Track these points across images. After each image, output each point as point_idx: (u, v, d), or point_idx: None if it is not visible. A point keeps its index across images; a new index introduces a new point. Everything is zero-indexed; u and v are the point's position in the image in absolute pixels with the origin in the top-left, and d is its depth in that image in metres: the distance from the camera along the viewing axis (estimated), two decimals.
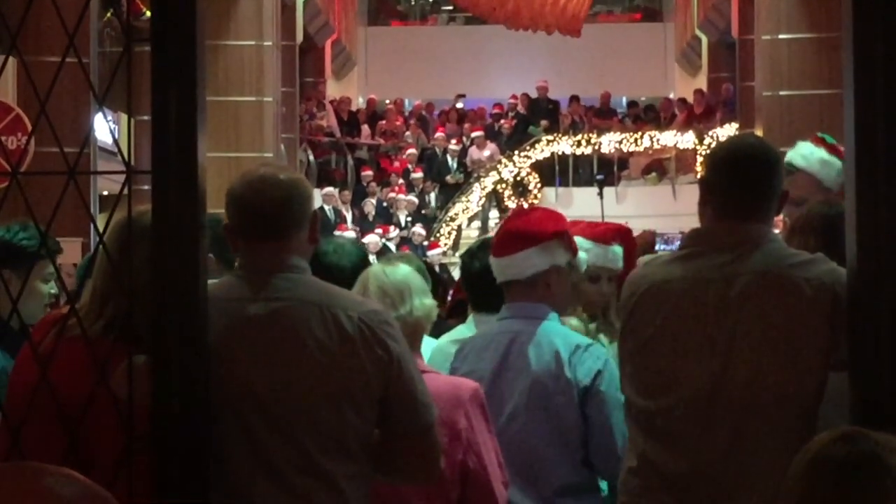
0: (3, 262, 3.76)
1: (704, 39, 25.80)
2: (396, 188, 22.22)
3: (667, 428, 3.08)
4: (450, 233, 21.77)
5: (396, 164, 23.20)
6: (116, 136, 12.37)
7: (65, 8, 2.73)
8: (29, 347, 2.84)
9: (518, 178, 22.29)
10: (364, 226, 20.83)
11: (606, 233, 4.49)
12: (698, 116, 23.43)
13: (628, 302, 3.21)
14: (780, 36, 14.55)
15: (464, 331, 4.50)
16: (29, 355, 2.82)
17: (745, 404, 3.00)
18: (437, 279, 5.74)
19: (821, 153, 4.72)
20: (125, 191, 2.67)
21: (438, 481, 3.12)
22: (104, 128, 11.95)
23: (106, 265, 2.86)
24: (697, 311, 3.07)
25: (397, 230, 20.91)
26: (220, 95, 15.11)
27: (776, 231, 3.39)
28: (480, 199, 22.32)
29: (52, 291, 3.99)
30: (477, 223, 22.38)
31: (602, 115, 24.58)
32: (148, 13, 2.68)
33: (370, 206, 21.62)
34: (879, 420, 2.66)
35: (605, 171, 20.88)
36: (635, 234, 6.86)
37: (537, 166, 22.44)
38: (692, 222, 3.34)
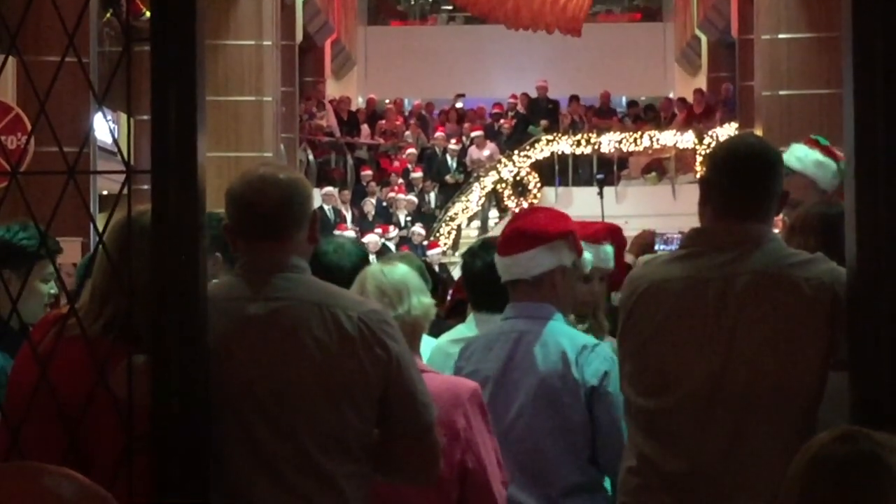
0: (3, 261, 3.76)
1: (704, 39, 25.81)
2: (396, 188, 22.22)
3: (666, 427, 3.08)
4: (449, 232, 21.77)
5: (396, 163, 23.20)
6: (116, 135, 12.36)
7: (64, 8, 2.73)
8: (28, 347, 2.84)
9: (518, 178, 22.29)
10: (364, 225, 20.83)
11: (598, 232, 4.49)
12: (698, 116, 23.43)
13: (628, 301, 3.21)
14: (780, 35, 14.55)
15: (463, 330, 4.50)
16: (28, 355, 2.82)
17: (745, 404, 3.00)
18: (436, 279, 5.74)
19: (815, 155, 4.73)
20: (125, 190, 2.67)
21: (437, 481, 3.12)
22: (104, 127, 11.95)
23: (106, 265, 2.86)
24: (697, 310, 3.07)
25: (397, 230, 20.91)
26: (219, 95, 15.12)
27: (776, 231, 3.39)
28: (480, 198, 22.32)
29: (52, 291, 3.99)
30: (476, 223, 22.37)
31: (602, 115, 24.58)
32: (147, 13, 2.67)
33: (370, 205, 21.62)
34: (879, 420, 2.66)
35: (605, 171, 20.88)
36: (635, 233, 6.87)
37: (537, 166, 22.44)
38: (692, 222, 3.34)
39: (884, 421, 2.62)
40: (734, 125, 20.18)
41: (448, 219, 21.89)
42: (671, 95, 27.06)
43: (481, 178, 22.33)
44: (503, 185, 22.25)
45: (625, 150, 22.82)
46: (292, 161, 18.67)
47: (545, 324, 3.77)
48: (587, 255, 3.97)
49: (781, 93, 14.49)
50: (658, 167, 23.04)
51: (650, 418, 3.11)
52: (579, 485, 3.69)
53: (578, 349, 3.70)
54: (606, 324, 4.36)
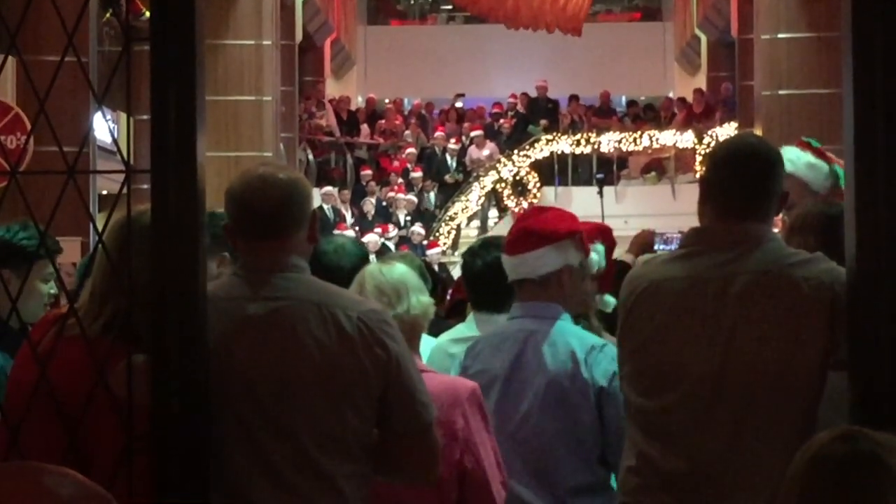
0: (3, 261, 3.77)
1: (704, 39, 25.81)
2: (396, 187, 22.22)
3: (666, 427, 3.08)
4: (449, 232, 21.77)
5: (396, 163, 23.20)
6: (116, 135, 12.36)
7: (64, 7, 2.73)
8: (28, 347, 2.84)
9: (517, 178, 22.29)
10: (363, 225, 20.83)
11: (589, 232, 4.49)
12: (698, 116, 23.44)
13: (627, 301, 3.21)
14: (780, 35, 14.54)
15: (463, 330, 4.50)
16: (28, 355, 2.82)
17: (745, 403, 3.00)
18: (436, 278, 5.74)
19: (807, 157, 4.73)
20: (124, 190, 2.67)
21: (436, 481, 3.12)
22: (103, 127, 11.94)
23: (105, 265, 2.86)
24: (697, 310, 3.07)
25: (396, 229, 20.92)
26: (219, 95, 15.10)
27: (775, 230, 3.39)
28: (480, 198, 22.32)
29: (52, 291, 3.99)
30: (476, 222, 22.38)
31: (601, 115, 24.58)
32: (147, 13, 2.67)
33: (369, 205, 21.62)
34: (879, 420, 2.66)
35: (605, 171, 20.88)
36: (634, 233, 6.87)
37: (537, 165, 22.44)
38: (691, 222, 3.34)
39: (884, 421, 2.62)
40: (734, 125, 20.17)
41: (448, 218, 21.89)
42: (671, 95, 27.07)
43: (481, 178, 22.33)
44: (503, 184, 22.25)
45: (624, 149, 22.82)
46: (292, 161, 18.67)
47: (553, 323, 3.77)
48: (594, 256, 3.97)
49: (781, 92, 14.47)
50: (658, 167, 23.04)
51: (650, 418, 3.11)
52: (588, 485, 3.68)
53: (587, 349, 3.70)
54: (598, 323, 4.36)
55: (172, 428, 2.63)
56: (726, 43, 23.08)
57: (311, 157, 22.48)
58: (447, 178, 22.62)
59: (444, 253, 20.56)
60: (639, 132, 22.94)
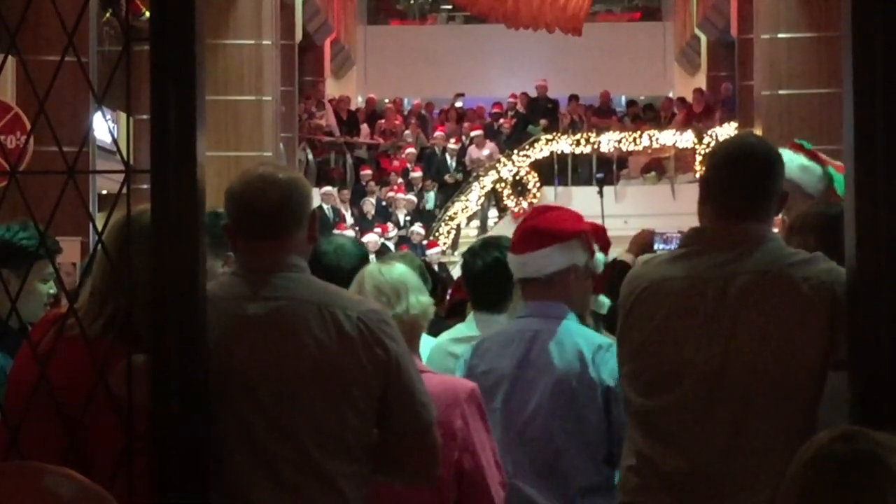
0: (3, 261, 3.76)
1: (704, 38, 25.80)
2: (395, 187, 22.22)
3: (665, 426, 3.08)
4: (448, 232, 21.77)
5: (396, 163, 23.20)
6: (115, 135, 12.35)
7: (64, 7, 2.73)
8: (28, 347, 2.84)
9: (517, 178, 22.28)
10: (363, 225, 20.83)
11: None
12: (697, 115, 23.44)
13: (627, 301, 3.21)
14: (780, 35, 14.54)
15: (463, 329, 4.50)
16: (28, 355, 2.81)
17: (744, 403, 3.00)
18: (436, 278, 5.74)
19: (800, 159, 4.73)
20: (124, 190, 2.67)
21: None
22: (103, 127, 11.94)
23: (105, 264, 2.86)
24: (696, 309, 3.07)
25: (396, 229, 20.92)
26: (219, 94, 15.10)
27: (775, 230, 3.39)
28: (479, 198, 22.31)
29: (52, 291, 3.98)
30: (476, 222, 22.37)
31: (601, 115, 24.58)
32: (147, 13, 2.67)
33: (369, 205, 21.62)
34: (879, 419, 2.66)
35: (605, 171, 20.88)
36: (634, 233, 6.87)
37: (536, 165, 22.43)
38: (691, 221, 3.34)
39: (884, 421, 2.62)
40: (734, 125, 20.16)
41: (447, 218, 21.89)
42: (671, 95, 27.07)
43: (481, 178, 22.33)
44: (502, 184, 22.25)
45: (624, 149, 22.81)
46: (292, 160, 18.67)
47: (559, 323, 3.77)
48: (599, 256, 3.97)
49: (781, 92, 14.47)
50: (657, 167, 23.04)
51: (649, 417, 3.11)
52: (595, 485, 3.67)
53: (595, 349, 3.69)
54: (592, 323, 4.36)
55: (172, 428, 2.63)
56: (726, 43, 23.07)
57: (310, 156, 22.48)
58: (447, 177, 22.61)
59: (443, 253, 20.55)
60: (639, 132, 22.93)
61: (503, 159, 22.47)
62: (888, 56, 2.77)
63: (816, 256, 3.09)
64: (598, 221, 4.16)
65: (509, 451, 3.66)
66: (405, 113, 25.91)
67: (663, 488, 3.07)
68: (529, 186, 22.23)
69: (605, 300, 4.23)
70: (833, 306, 2.98)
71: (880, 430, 2.27)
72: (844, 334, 2.93)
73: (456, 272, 13.55)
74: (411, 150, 23.25)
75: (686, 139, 22.40)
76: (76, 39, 2.66)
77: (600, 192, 15.76)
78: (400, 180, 22.53)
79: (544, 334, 3.75)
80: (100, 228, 2.79)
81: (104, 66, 12.89)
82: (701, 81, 26.20)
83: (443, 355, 4.31)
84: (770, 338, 3.00)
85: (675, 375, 3.07)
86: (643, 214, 18.88)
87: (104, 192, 13.63)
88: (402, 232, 20.92)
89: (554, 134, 22.94)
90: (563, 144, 22.66)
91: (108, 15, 15.22)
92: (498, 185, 22.27)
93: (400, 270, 3.45)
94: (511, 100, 24.68)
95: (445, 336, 4.57)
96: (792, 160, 4.67)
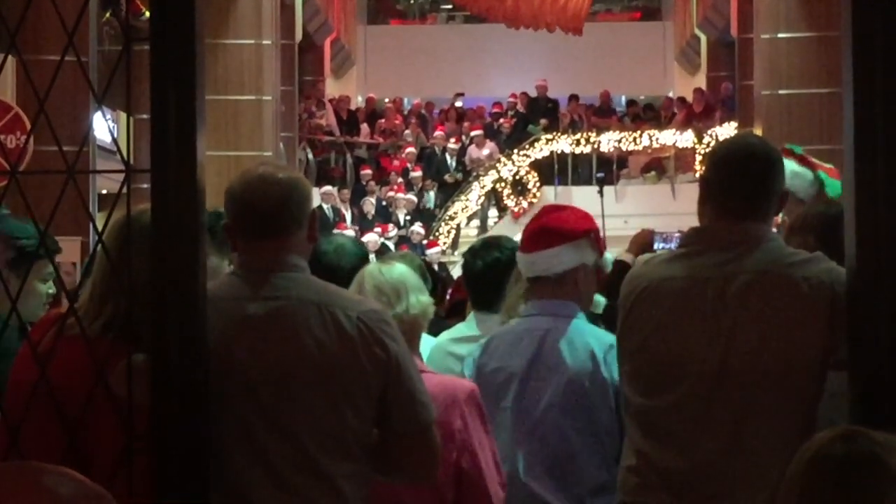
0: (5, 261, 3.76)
1: (704, 38, 25.81)
2: (395, 187, 22.22)
3: (665, 426, 3.08)
4: (449, 232, 21.77)
5: (396, 162, 23.21)
6: (115, 134, 12.35)
7: (64, 7, 2.73)
8: (28, 347, 2.84)
9: (517, 177, 22.28)
10: (363, 224, 20.83)
11: None
12: (697, 115, 23.44)
13: (627, 300, 3.21)
14: (780, 35, 14.54)
15: (463, 329, 4.50)
16: (28, 354, 2.81)
17: (744, 403, 3.01)
18: (436, 278, 5.74)
19: (791, 165, 4.72)
20: (124, 189, 2.67)
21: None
22: (103, 126, 11.94)
23: (105, 264, 2.86)
24: (696, 309, 3.07)
25: (396, 229, 20.92)
26: (219, 94, 15.11)
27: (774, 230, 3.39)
28: (479, 197, 22.32)
29: (50, 291, 3.98)
30: (476, 222, 22.37)
31: (601, 114, 24.58)
32: (147, 13, 2.67)
33: (369, 204, 21.62)
34: (879, 419, 2.66)
35: (605, 170, 20.87)
36: (634, 233, 6.87)
37: (536, 165, 22.44)
38: (691, 221, 3.34)
39: (883, 421, 2.62)
40: (734, 124, 20.18)
41: (447, 218, 21.89)
42: (671, 94, 27.07)
43: (481, 178, 22.33)
44: (502, 184, 22.25)
45: (624, 149, 22.82)
46: (292, 160, 18.67)
47: (569, 322, 3.77)
48: (608, 255, 3.98)
49: (781, 92, 14.48)
50: (657, 166, 23.04)
51: (649, 417, 3.11)
52: (606, 483, 3.67)
53: (606, 348, 3.69)
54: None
55: (172, 428, 2.63)
56: (726, 42, 23.07)
57: (310, 156, 22.48)
58: (447, 177, 22.62)
59: (443, 252, 20.55)
60: (639, 132, 22.93)
61: (503, 159, 22.47)
62: (888, 56, 2.77)
63: (816, 256, 3.09)
64: (598, 221, 4.17)
65: (520, 449, 3.66)
66: (405, 112, 25.91)
67: (663, 488, 3.07)
68: (529, 186, 22.24)
69: (600, 299, 4.23)
70: (833, 306, 2.98)
71: (880, 429, 2.27)
72: (844, 334, 2.93)
73: (456, 272, 13.56)
74: (411, 149, 23.25)
75: (686, 139, 22.40)
76: (76, 39, 2.66)
77: (600, 192, 15.73)
78: (400, 180, 22.53)
79: (555, 333, 3.75)
80: (100, 228, 2.79)
81: (104, 65, 12.89)
82: (701, 81, 26.20)
83: (443, 355, 4.31)
84: (770, 337, 3.00)
85: (674, 375, 3.07)
86: (643, 214, 18.88)
87: (104, 191, 13.62)
88: (402, 232, 20.92)
89: (554, 134, 22.94)
90: (563, 144, 22.66)
91: (108, 15, 15.23)
92: (498, 185, 22.28)
93: (400, 270, 3.45)
94: (511, 99, 24.69)
95: (445, 336, 4.57)
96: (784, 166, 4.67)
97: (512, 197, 22.13)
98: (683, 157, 22.70)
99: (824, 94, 13.65)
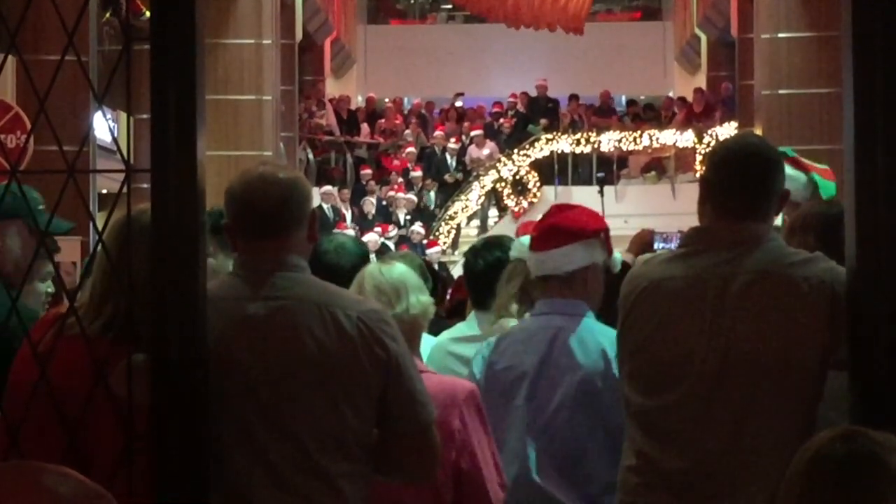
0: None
1: (704, 38, 25.81)
2: (395, 187, 22.22)
3: (665, 426, 3.08)
4: (449, 231, 21.77)
5: (396, 162, 23.21)
6: (116, 134, 12.36)
7: (64, 6, 2.73)
8: (27, 346, 2.84)
9: (517, 177, 22.28)
10: (363, 224, 20.83)
11: None
12: (698, 115, 23.44)
13: (627, 300, 3.21)
14: (780, 34, 14.54)
15: (464, 328, 4.50)
16: (28, 354, 2.81)
17: (744, 402, 3.01)
18: (436, 278, 5.74)
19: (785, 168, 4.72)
20: (124, 189, 2.67)
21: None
22: (103, 126, 11.94)
23: (105, 264, 2.85)
24: (696, 309, 3.07)
25: (396, 229, 20.92)
26: (219, 94, 15.11)
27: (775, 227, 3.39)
28: (479, 197, 22.32)
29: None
30: (476, 222, 22.38)
31: (601, 114, 24.58)
32: (147, 12, 2.67)
33: (370, 204, 21.62)
34: (879, 419, 2.65)
35: (605, 170, 20.87)
36: (634, 233, 6.87)
37: (536, 165, 22.44)
38: (691, 221, 3.34)
39: (883, 421, 2.62)
40: (734, 124, 20.17)
41: (447, 218, 21.89)
42: (671, 94, 27.06)
43: (481, 177, 22.33)
44: (503, 184, 22.25)
45: (624, 149, 22.82)
46: (292, 160, 18.67)
47: (580, 321, 3.77)
48: (617, 255, 3.97)
49: (781, 92, 14.48)
50: (658, 166, 23.04)
51: (650, 417, 3.11)
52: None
53: None
54: None
55: (172, 428, 2.63)
56: (726, 42, 23.07)
57: (310, 156, 22.48)
58: (447, 177, 22.62)
59: (443, 252, 20.56)
60: (639, 132, 22.93)
61: (503, 159, 22.47)
62: (888, 56, 2.77)
63: (816, 256, 3.09)
64: None
65: (531, 448, 3.65)
66: (405, 112, 25.91)
67: (663, 487, 3.07)
68: (529, 186, 22.24)
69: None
70: (833, 306, 2.98)
71: (880, 430, 2.27)
72: (844, 334, 2.93)
73: (456, 272, 13.56)
74: (411, 149, 23.25)
75: (686, 139, 22.40)
76: (76, 39, 2.66)
77: (601, 192, 15.75)
78: (400, 180, 22.53)
79: (566, 332, 3.74)
80: (100, 228, 2.79)
81: (104, 65, 12.89)
82: (701, 81, 26.20)
83: (443, 355, 4.31)
84: (770, 337, 3.00)
85: (675, 375, 3.07)
86: (643, 214, 18.88)
87: (104, 191, 13.63)
88: (403, 231, 20.92)
89: (554, 133, 22.94)
90: (564, 144, 22.66)
91: (108, 14, 15.23)
92: (498, 185, 22.28)
93: (400, 270, 3.45)
94: (511, 99, 24.68)
95: (446, 335, 4.57)
96: None
97: (512, 197, 22.13)
98: (683, 157, 22.70)
99: (824, 94, 13.65)
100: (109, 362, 2.68)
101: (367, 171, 22.67)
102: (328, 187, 21.06)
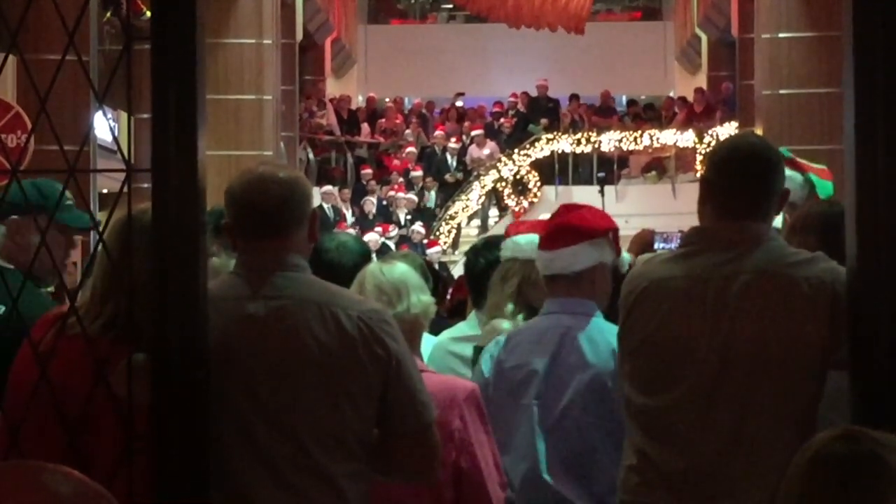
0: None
1: (704, 38, 25.80)
2: (396, 186, 22.22)
3: (665, 425, 3.08)
4: (449, 231, 21.78)
5: (397, 162, 23.21)
6: (116, 134, 12.36)
7: (64, 6, 2.73)
8: (28, 346, 2.84)
9: (518, 177, 22.29)
10: (364, 224, 20.83)
11: None
12: (698, 115, 23.43)
13: (627, 300, 3.21)
14: (780, 34, 14.54)
15: (464, 328, 4.50)
16: (28, 353, 2.81)
17: (744, 402, 3.01)
18: (437, 277, 5.74)
19: None
20: (125, 189, 2.67)
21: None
22: (104, 126, 11.93)
23: (106, 263, 2.86)
24: (696, 309, 3.07)
25: (397, 228, 20.92)
26: (219, 93, 15.10)
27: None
28: (480, 197, 22.32)
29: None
30: (476, 222, 22.38)
31: (602, 114, 24.58)
32: (148, 12, 2.67)
33: (370, 204, 21.62)
34: (879, 419, 2.65)
35: (605, 170, 20.88)
36: (635, 232, 6.88)
37: (537, 165, 22.43)
38: (692, 221, 3.34)
39: (884, 420, 2.62)
40: (734, 124, 20.16)
41: (448, 217, 21.89)
42: (671, 94, 27.06)
43: (481, 177, 22.33)
44: (503, 183, 22.25)
45: (625, 148, 22.81)
46: (292, 159, 18.67)
47: (589, 320, 3.76)
48: (625, 255, 3.97)
49: (782, 92, 14.48)
50: (658, 166, 23.04)
51: (650, 416, 3.11)
52: None
53: None
54: None
55: (172, 428, 2.63)
56: (727, 42, 23.06)
57: (311, 155, 22.47)
58: (447, 177, 22.62)
59: (444, 252, 20.56)
60: (639, 131, 22.92)
61: (504, 158, 22.47)
62: (888, 56, 2.77)
63: (817, 256, 3.09)
64: None
65: (540, 446, 3.65)
66: (406, 112, 25.91)
67: (663, 487, 3.07)
68: (530, 186, 22.24)
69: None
70: (833, 306, 2.98)
71: (881, 429, 2.27)
72: (845, 334, 2.93)
73: (457, 271, 13.57)
74: (412, 149, 23.25)
75: (687, 139, 22.40)
76: (77, 38, 2.67)
77: (601, 192, 15.80)
78: (400, 179, 22.53)
79: (575, 331, 3.74)
80: (101, 227, 2.79)
81: (105, 65, 12.89)
82: (701, 81, 26.20)
83: (443, 354, 4.31)
84: (770, 337, 3.00)
85: (675, 374, 3.07)
86: (644, 214, 18.88)
87: (105, 190, 13.63)
88: (403, 231, 20.92)
89: (555, 133, 22.94)
90: (564, 144, 22.65)
91: (108, 14, 15.23)
92: (498, 185, 22.28)
93: (401, 270, 3.45)
94: (512, 99, 24.68)
95: (446, 335, 4.57)
96: None
97: (512, 196, 22.13)
98: (684, 157, 22.70)
99: (824, 94, 13.65)
100: (110, 362, 2.69)
101: (368, 171, 22.67)
102: (328, 187, 21.06)
